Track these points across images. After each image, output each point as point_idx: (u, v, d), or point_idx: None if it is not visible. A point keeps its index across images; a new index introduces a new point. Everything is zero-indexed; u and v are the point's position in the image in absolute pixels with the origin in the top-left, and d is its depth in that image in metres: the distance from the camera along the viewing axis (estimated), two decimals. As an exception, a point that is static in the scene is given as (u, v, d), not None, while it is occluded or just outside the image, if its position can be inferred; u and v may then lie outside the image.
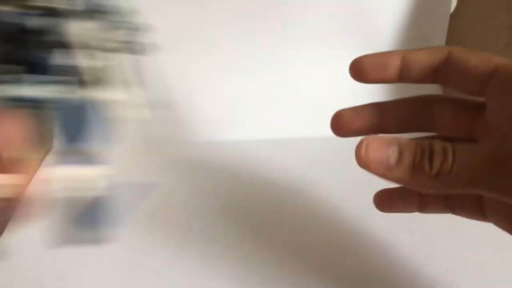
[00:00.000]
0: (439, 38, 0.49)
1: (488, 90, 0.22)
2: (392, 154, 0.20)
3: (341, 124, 0.25)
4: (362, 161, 0.20)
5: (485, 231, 0.24)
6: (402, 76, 0.23)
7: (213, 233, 0.32)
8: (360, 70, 0.24)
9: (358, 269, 0.29)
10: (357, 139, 0.21)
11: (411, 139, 0.20)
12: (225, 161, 0.42)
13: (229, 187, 0.38)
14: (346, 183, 0.38)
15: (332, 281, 0.28)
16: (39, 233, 0.32)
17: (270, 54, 0.46)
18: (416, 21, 0.47)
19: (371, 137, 0.20)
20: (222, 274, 0.28)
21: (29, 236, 0.32)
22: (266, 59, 0.46)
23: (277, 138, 0.46)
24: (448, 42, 0.49)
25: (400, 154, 0.20)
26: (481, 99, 0.23)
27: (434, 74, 0.23)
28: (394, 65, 0.23)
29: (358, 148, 0.20)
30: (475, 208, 0.24)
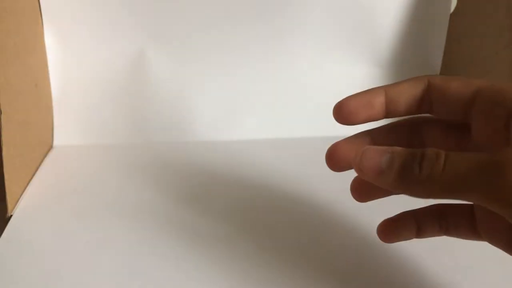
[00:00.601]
0: (439, 38, 0.49)
1: (472, 112, 0.22)
2: (384, 160, 0.20)
3: (337, 158, 0.25)
4: (357, 168, 0.21)
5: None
6: (389, 112, 0.24)
7: (213, 232, 0.32)
8: (346, 112, 0.24)
9: (358, 268, 0.29)
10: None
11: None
12: (224, 161, 0.42)
13: (228, 187, 0.38)
14: (346, 183, 0.38)
15: (332, 280, 0.28)
16: (36, 234, 0.32)
17: (271, 54, 0.46)
18: (416, 21, 0.47)
19: (368, 147, 0.21)
20: (222, 273, 0.28)
21: (28, 237, 0.32)
22: (266, 59, 0.46)
23: (277, 138, 0.46)
24: (448, 42, 0.49)
25: (392, 159, 0.20)
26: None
27: (418, 105, 0.24)
28: (379, 102, 0.24)
29: (355, 156, 0.21)
30: (469, 228, 0.24)
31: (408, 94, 0.24)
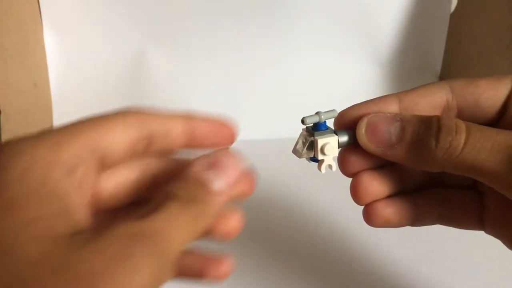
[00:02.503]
0: (439, 38, 0.49)
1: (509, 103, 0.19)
2: (394, 131, 0.18)
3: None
4: (362, 141, 0.19)
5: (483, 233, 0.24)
6: None
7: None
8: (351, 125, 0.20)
9: (357, 269, 0.29)
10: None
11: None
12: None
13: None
14: (346, 183, 0.38)
15: (331, 280, 0.28)
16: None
17: (271, 54, 0.46)
18: (416, 21, 0.47)
19: (372, 115, 0.19)
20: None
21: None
22: (266, 60, 0.46)
23: (277, 138, 0.46)
24: (448, 42, 0.49)
25: (402, 130, 0.18)
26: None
27: (440, 112, 0.20)
28: (393, 111, 0.20)
29: (359, 127, 0.19)
30: (474, 215, 0.21)
31: (425, 102, 0.20)
